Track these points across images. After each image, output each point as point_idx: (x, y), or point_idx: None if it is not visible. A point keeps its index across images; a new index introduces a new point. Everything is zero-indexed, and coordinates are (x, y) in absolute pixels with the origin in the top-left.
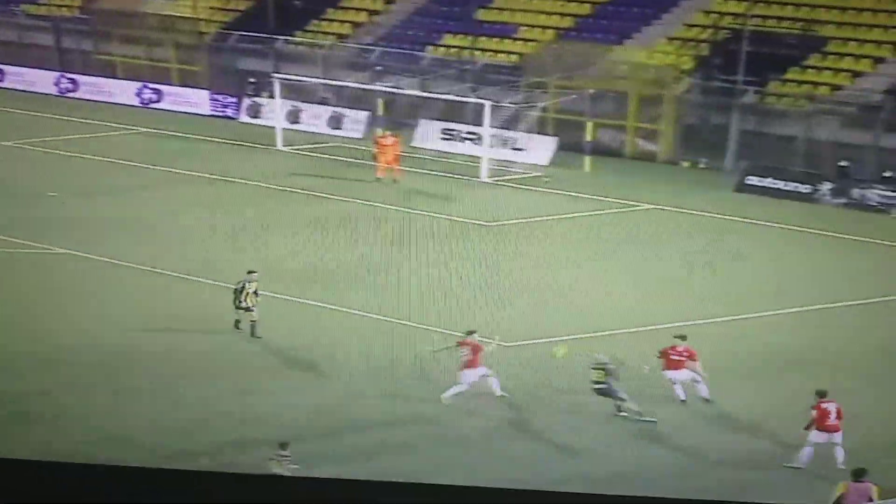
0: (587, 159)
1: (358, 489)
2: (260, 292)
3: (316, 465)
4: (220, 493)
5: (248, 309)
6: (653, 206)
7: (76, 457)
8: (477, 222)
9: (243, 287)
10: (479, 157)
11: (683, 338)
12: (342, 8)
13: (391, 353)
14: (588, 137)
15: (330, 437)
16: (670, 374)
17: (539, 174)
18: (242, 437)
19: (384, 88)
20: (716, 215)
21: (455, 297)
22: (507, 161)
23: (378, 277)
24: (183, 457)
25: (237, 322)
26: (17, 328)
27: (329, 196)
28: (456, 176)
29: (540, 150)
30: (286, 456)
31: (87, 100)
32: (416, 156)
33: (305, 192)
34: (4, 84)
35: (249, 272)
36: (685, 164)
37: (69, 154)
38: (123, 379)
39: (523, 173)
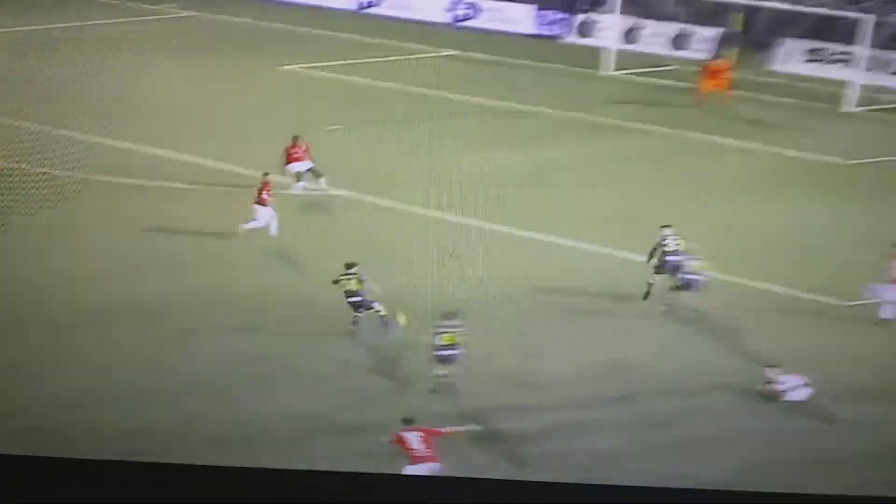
0: None
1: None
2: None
3: None
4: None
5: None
6: None
7: None
8: (832, 159)
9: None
10: (848, 83)
11: None
12: None
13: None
14: None
15: None
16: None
17: None
18: None
19: (746, 1)
20: None
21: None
22: (882, 87)
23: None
24: None
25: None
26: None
27: (650, 128)
28: (816, 104)
29: None
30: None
31: (389, 16)
32: (769, 80)
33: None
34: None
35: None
36: None
37: (360, 80)
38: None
39: None
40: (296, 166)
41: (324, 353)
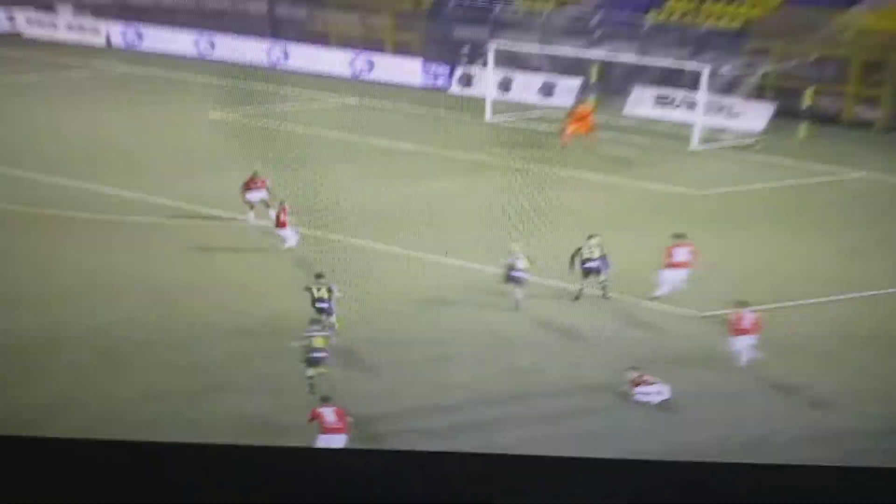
0: (803, 126)
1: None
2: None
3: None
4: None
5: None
6: (866, 174)
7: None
8: (681, 190)
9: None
10: (691, 124)
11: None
12: None
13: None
14: (806, 103)
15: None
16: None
17: (752, 140)
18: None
19: (602, 55)
20: None
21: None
22: (721, 128)
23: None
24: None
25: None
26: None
27: (526, 166)
28: (665, 142)
29: (755, 116)
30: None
31: (297, 71)
32: (625, 123)
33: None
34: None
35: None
36: None
37: (275, 127)
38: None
39: (736, 141)
40: (253, 196)
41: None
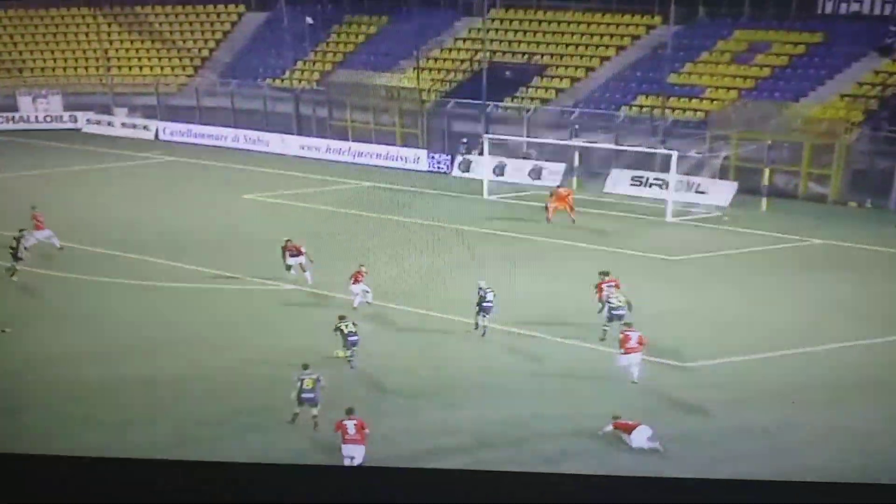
0: (764, 201)
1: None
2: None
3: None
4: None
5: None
6: (823, 242)
7: None
8: (660, 256)
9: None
10: (664, 200)
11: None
12: (548, 76)
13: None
14: (765, 182)
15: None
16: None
17: (719, 214)
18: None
19: (582, 144)
20: (882, 249)
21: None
22: (690, 203)
23: (562, 305)
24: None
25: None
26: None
27: (523, 236)
28: (642, 216)
29: (721, 193)
30: (309, 374)
31: (321, 159)
32: (605, 200)
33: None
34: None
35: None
36: (852, 204)
37: (303, 205)
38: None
39: (705, 214)
40: (291, 260)
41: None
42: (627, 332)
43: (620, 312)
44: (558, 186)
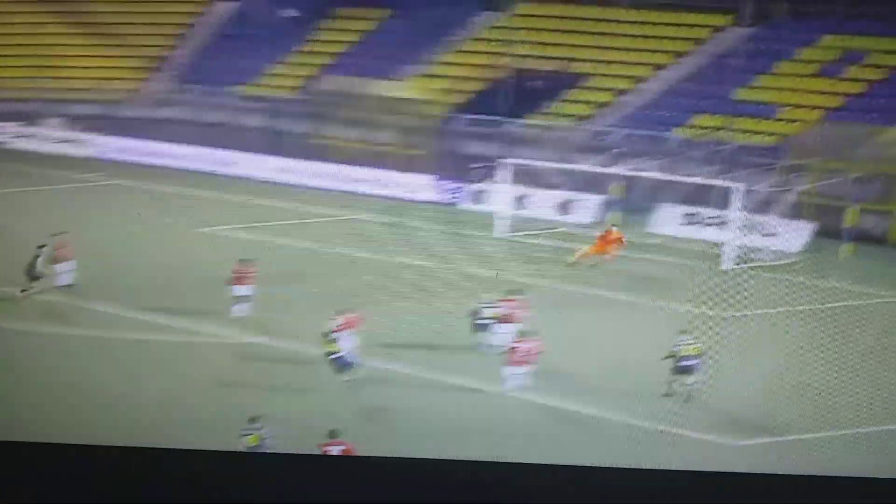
0: (845, 246)
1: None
2: None
3: None
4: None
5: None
6: None
7: None
8: (714, 312)
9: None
10: (722, 243)
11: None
12: (586, 88)
13: None
14: (848, 223)
15: None
16: None
17: (790, 261)
18: None
19: (624, 172)
20: None
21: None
22: (755, 248)
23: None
24: None
25: None
26: None
27: (542, 282)
28: (692, 262)
29: (793, 235)
30: (257, 428)
31: (300, 185)
32: (649, 241)
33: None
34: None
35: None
36: None
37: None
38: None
39: (772, 261)
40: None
41: None
42: (517, 346)
43: (689, 363)
44: (613, 226)
